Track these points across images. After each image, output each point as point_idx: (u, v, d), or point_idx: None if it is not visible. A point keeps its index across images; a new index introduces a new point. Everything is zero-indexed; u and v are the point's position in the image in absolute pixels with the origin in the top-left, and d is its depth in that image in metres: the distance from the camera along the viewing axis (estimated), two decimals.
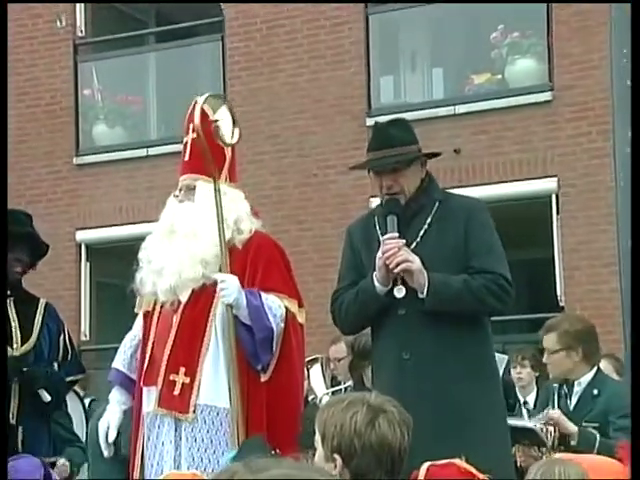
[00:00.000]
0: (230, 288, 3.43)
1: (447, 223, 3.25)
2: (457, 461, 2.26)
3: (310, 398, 5.30)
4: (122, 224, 8.90)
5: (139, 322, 3.67)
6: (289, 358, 3.53)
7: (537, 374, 5.63)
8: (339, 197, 8.41)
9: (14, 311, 3.89)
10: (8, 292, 3.89)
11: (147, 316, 3.64)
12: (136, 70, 9.40)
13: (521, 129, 8.04)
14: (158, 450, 3.44)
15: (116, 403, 3.61)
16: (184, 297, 3.51)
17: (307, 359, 5.40)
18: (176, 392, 3.43)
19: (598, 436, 3.53)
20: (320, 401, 5.21)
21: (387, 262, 3.15)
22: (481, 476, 2.25)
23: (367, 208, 8.42)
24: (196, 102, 3.66)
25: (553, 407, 3.78)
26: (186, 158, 3.63)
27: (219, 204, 3.48)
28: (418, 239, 3.24)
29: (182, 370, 3.45)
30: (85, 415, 5.59)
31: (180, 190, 3.62)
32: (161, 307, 3.58)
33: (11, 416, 3.74)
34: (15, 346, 3.83)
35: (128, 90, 9.45)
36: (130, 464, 3.55)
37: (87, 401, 6.15)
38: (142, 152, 8.95)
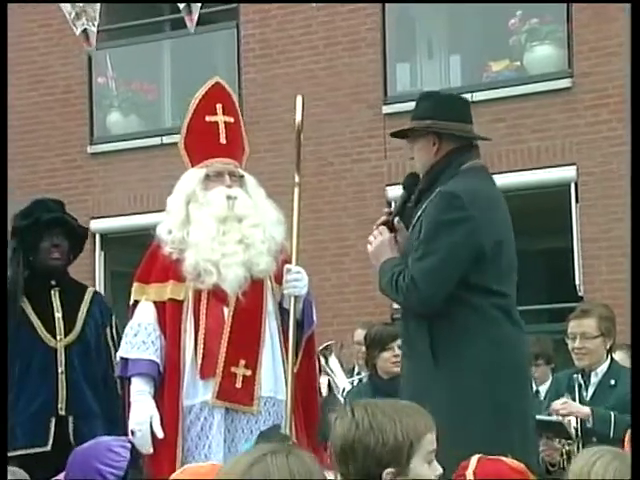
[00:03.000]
0: (303, 280, 3.49)
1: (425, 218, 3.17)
2: (505, 458, 2.26)
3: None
4: (137, 213, 8.88)
5: (150, 310, 3.49)
6: (312, 350, 3.64)
7: (552, 366, 5.54)
8: (355, 186, 8.36)
9: (59, 301, 3.86)
10: (53, 282, 3.85)
11: (175, 305, 3.48)
12: (151, 58, 9.37)
13: (540, 117, 7.95)
14: (208, 441, 3.40)
15: (150, 396, 3.45)
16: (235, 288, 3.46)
17: (320, 347, 5.40)
18: (238, 385, 3.41)
19: (612, 413, 3.49)
20: (343, 392, 5.22)
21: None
22: (531, 476, 2.24)
23: (383, 197, 8.39)
24: (218, 82, 3.64)
25: (572, 399, 3.74)
26: (222, 141, 3.57)
27: (299, 198, 3.53)
28: (413, 222, 3.20)
29: (242, 362, 3.43)
30: None
31: (219, 174, 3.54)
32: (209, 296, 3.45)
33: (60, 408, 3.74)
34: (59, 337, 3.81)
35: (143, 78, 9.41)
36: (160, 455, 3.40)
37: None
38: (157, 140, 8.92)
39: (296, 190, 3.62)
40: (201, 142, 3.60)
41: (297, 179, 3.66)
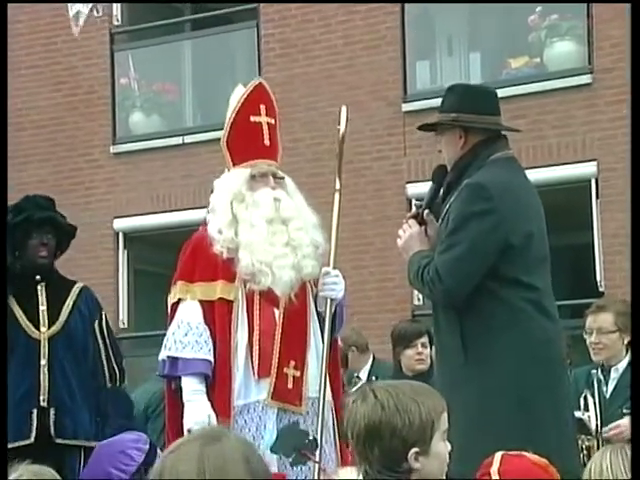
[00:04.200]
0: (341, 284, 3.52)
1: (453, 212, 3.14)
2: (528, 454, 2.27)
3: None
4: (159, 212, 8.96)
5: (197, 309, 3.46)
6: (337, 350, 3.69)
7: (569, 362, 5.53)
8: (375, 183, 8.38)
9: (44, 295, 3.85)
10: (38, 277, 3.85)
11: (225, 305, 3.46)
12: (172, 58, 9.44)
13: (560, 113, 7.94)
14: (263, 441, 3.39)
15: (205, 396, 3.42)
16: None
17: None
18: (290, 385, 3.45)
19: None
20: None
21: None
22: (554, 470, 2.25)
23: (403, 194, 8.41)
24: (261, 83, 3.65)
25: (592, 395, 3.73)
26: (266, 142, 3.57)
27: (339, 204, 3.56)
28: (442, 215, 3.19)
29: (292, 363, 3.47)
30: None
31: (263, 175, 3.54)
32: (261, 298, 3.46)
33: (42, 399, 3.71)
34: (43, 329, 3.79)
35: (164, 78, 9.48)
36: None
37: None
38: (178, 140, 8.99)
39: (336, 196, 3.65)
40: (246, 142, 3.57)
41: (338, 186, 3.69)
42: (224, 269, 3.47)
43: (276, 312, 3.48)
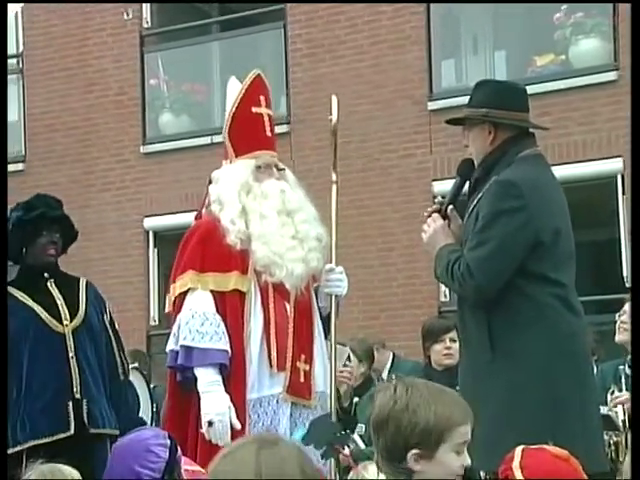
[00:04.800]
0: (345, 280, 3.52)
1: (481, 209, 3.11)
2: (548, 446, 2.26)
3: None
4: (188, 211, 9.05)
5: (210, 300, 3.39)
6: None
7: (595, 357, 5.55)
8: (401, 181, 8.44)
9: (57, 290, 3.84)
10: (46, 275, 3.84)
11: (238, 297, 3.41)
12: (201, 59, 9.54)
13: (586, 110, 7.95)
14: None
15: (222, 387, 3.34)
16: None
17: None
18: (302, 379, 3.43)
19: None
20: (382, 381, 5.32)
21: None
22: (575, 461, 2.24)
23: (429, 192, 8.45)
24: (259, 74, 3.62)
25: (619, 390, 3.74)
26: (268, 133, 3.56)
27: (337, 196, 3.53)
28: (468, 211, 3.17)
29: (303, 357, 3.45)
30: (151, 400, 5.51)
31: (267, 166, 3.53)
32: (274, 291, 3.41)
33: (75, 391, 3.71)
34: (65, 322, 3.78)
35: (193, 79, 9.59)
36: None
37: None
38: (207, 140, 9.09)
39: (334, 188, 3.61)
40: (249, 132, 3.54)
41: (334, 177, 3.65)
42: (239, 260, 3.41)
43: (287, 306, 3.45)
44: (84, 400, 3.73)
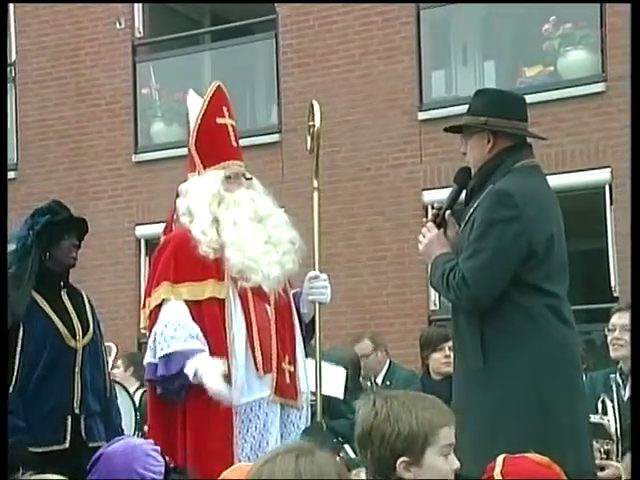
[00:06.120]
0: (329, 287, 3.55)
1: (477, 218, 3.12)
2: (530, 454, 2.29)
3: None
4: None
5: (184, 309, 3.38)
6: None
7: (585, 366, 5.59)
8: (391, 190, 8.49)
9: (69, 303, 3.83)
10: (61, 284, 3.83)
11: (216, 304, 3.41)
12: (192, 69, 9.58)
13: (574, 120, 8.02)
14: (272, 437, 3.39)
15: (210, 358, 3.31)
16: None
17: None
18: (287, 380, 3.46)
19: None
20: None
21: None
22: (557, 468, 2.26)
23: (419, 201, 8.51)
24: (220, 86, 3.67)
25: (610, 399, 3.75)
26: (234, 143, 3.61)
27: (318, 203, 3.57)
28: (464, 220, 3.18)
29: (287, 358, 3.47)
30: (135, 410, 5.44)
31: (236, 175, 3.56)
32: (253, 294, 3.43)
33: (75, 407, 3.73)
34: (78, 337, 3.79)
35: (185, 88, 9.59)
36: (217, 454, 3.29)
37: (140, 393, 5.91)
38: None
39: (315, 195, 3.64)
40: (216, 143, 3.58)
41: (316, 184, 3.69)
42: (215, 269, 3.43)
43: (268, 308, 3.48)
44: (82, 415, 3.75)
